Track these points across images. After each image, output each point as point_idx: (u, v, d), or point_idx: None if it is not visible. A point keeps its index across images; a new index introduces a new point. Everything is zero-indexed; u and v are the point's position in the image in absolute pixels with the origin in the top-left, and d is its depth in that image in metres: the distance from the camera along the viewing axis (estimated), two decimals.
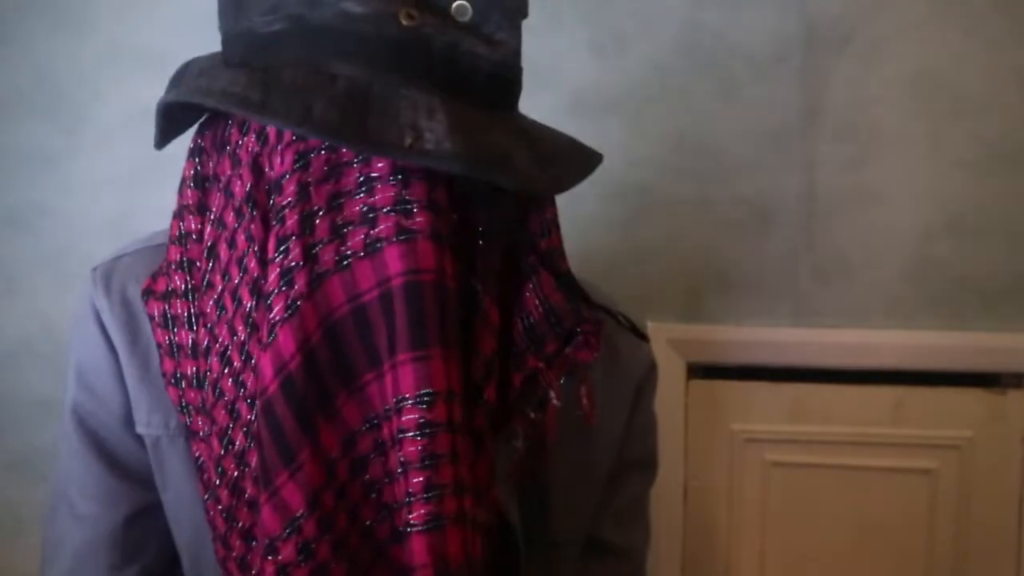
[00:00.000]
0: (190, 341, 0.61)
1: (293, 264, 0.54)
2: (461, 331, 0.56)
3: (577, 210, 1.12)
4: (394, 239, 0.54)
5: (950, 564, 1.14)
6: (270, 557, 0.54)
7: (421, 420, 0.53)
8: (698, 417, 1.15)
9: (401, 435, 0.53)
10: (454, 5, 0.56)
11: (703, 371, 1.15)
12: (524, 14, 0.60)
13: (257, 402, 0.55)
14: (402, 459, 0.53)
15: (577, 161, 0.62)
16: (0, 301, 1.19)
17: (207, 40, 1.15)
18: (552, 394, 0.62)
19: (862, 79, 1.09)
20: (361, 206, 0.55)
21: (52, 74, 1.15)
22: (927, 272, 1.11)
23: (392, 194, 0.54)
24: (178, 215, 0.64)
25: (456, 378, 0.54)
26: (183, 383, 0.62)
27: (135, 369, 0.64)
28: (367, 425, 0.56)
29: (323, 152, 0.55)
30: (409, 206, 0.54)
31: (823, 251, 1.12)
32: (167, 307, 0.62)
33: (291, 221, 0.55)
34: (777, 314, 1.13)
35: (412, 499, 0.53)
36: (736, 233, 1.12)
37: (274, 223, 0.55)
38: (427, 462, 0.53)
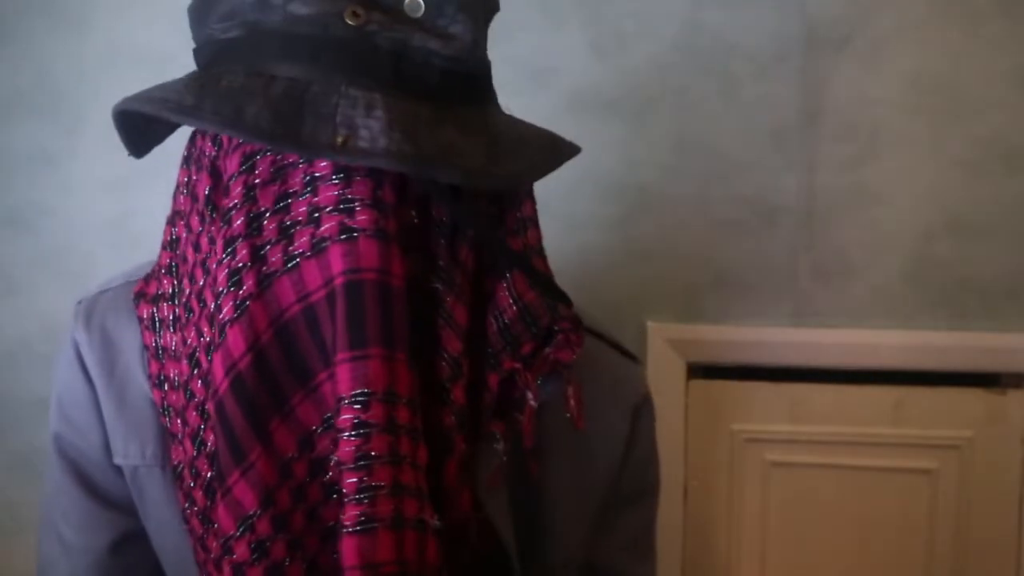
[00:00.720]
0: (174, 344, 0.62)
1: (241, 265, 0.55)
2: (420, 331, 0.56)
3: (576, 210, 1.12)
4: (337, 238, 0.54)
5: (950, 564, 1.14)
6: (226, 556, 0.54)
7: (356, 420, 0.52)
8: (698, 417, 1.15)
9: (338, 435, 0.53)
10: (406, 1, 0.56)
11: (703, 371, 1.15)
12: (490, 9, 0.60)
13: (210, 405, 0.55)
14: (336, 460, 0.53)
15: (544, 154, 0.60)
16: (0, 301, 1.19)
17: None
18: (529, 395, 0.61)
19: (862, 79, 1.09)
20: (306, 206, 0.55)
21: (52, 74, 1.15)
22: (927, 272, 1.11)
23: (334, 194, 0.54)
24: (170, 221, 0.64)
25: (404, 380, 0.53)
26: (166, 385, 0.62)
27: (112, 400, 0.64)
28: (324, 425, 0.55)
29: (269, 153, 0.56)
30: (351, 205, 0.54)
31: (823, 251, 1.12)
32: (155, 310, 0.63)
33: (238, 222, 0.55)
34: (777, 314, 1.13)
35: (346, 500, 0.52)
36: (736, 233, 1.12)
37: (222, 225, 0.56)
38: (361, 463, 0.52)
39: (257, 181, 0.56)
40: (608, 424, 0.70)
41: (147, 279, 0.65)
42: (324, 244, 0.54)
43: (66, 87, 1.15)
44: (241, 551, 0.54)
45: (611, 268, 1.13)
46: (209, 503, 0.58)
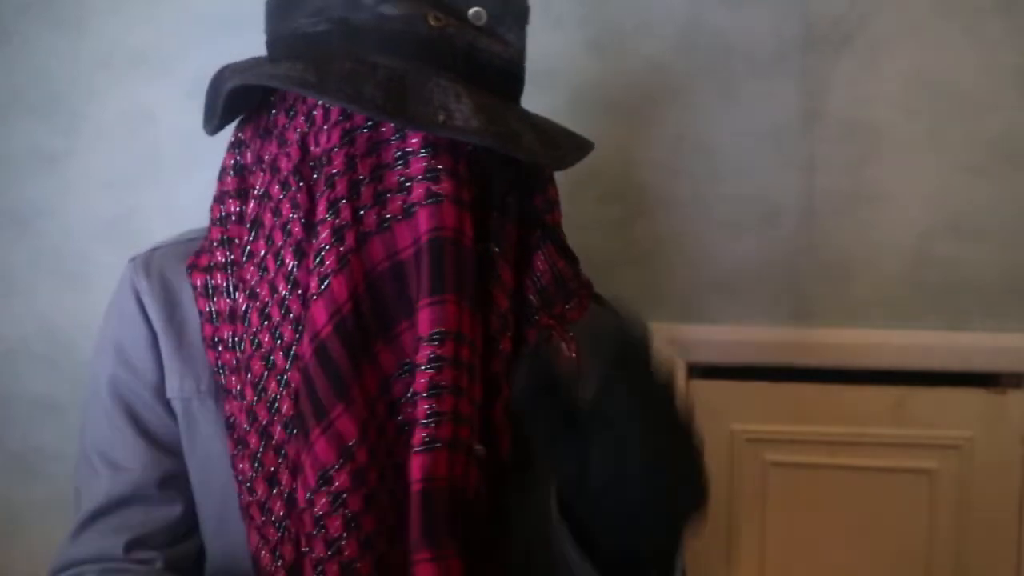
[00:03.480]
0: (228, 308, 0.69)
1: (344, 223, 0.63)
2: (479, 288, 0.64)
3: (577, 210, 1.11)
4: (424, 202, 0.62)
5: (950, 564, 1.13)
6: (323, 488, 0.60)
7: (432, 355, 0.60)
8: (698, 417, 1.14)
9: (416, 368, 0.61)
10: (471, 11, 0.66)
11: (703, 371, 1.15)
12: (528, 20, 0.70)
13: (306, 347, 0.62)
14: (413, 391, 0.61)
15: (575, 145, 0.71)
16: (0, 301, 1.19)
17: (204, 40, 1.15)
18: (564, 347, 0.69)
19: (862, 79, 1.09)
20: (399, 176, 0.64)
21: (50, 74, 1.15)
22: (927, 272, 1.11)
23: (423, 165, 0.63)
24: (219, 200, 0.72)
25: (469, 324, 0.62)
26: (220, 346, 0.69)
27: (171, 340, 0.71)
28: (401, 371, 0.63)
29: (366, 131, 0.64)
30: (437, 173, 0.63)
31: (823, 251, 1.12)
32: (209, 278, 0.70)
33: (341, 186, 0.63)
34: (777, 314, 1.13)
35: (417, 425, 0.60)
36: (736, 233, 1.12)
37: (324, 188, 0.64)
38: (432, 391, 0.60)
39: (357, 153, 0.64)
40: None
41: (198, 254, 0.72)
42: (413, 208, 0.63)
43: (64, 87, 1.15)
44: (342, 480, 0.60)
45: (611, 268, 1.13)
46: (263, 447, 0.64)
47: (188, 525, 0.72)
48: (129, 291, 0.73)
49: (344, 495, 0.60)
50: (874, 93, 1.09)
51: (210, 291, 0.70)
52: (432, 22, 0.63)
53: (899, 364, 1.11)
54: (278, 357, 0.65)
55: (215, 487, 0.70)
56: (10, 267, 1.18)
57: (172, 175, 1.14)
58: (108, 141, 1.15)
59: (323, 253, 0.62)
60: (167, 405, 0.71)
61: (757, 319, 1.13)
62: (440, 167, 0.63)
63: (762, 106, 1.10)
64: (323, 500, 0.60)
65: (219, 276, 0.70)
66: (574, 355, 0.71)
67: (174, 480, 0.71)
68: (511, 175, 0.67)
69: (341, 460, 0.60)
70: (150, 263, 0.73)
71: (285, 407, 0.64)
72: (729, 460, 1.15)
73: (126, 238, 1.16)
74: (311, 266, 0.63)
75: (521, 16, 0.68)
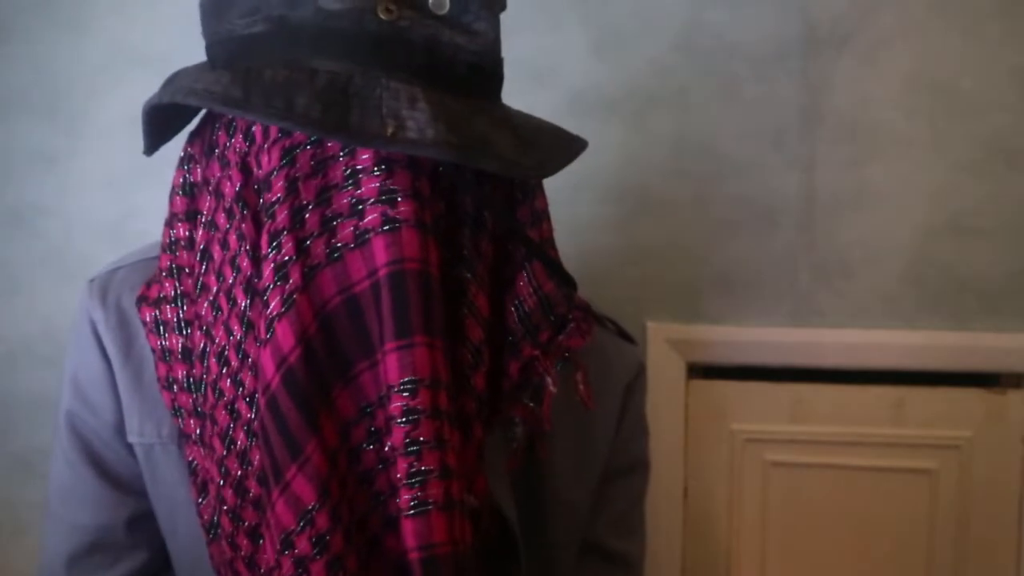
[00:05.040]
0: (180, 345, 0.62)
1: (287, 258, 0.55)
2: (448, 319, 0.57)
3: (577, 210, 1.12)
4: (380, 229, 0.55)
5: (950, 564, 1.14)
6: (287, 552, 0.54)
7: (405, 407, 0.54)
8: (698, 417, 1.15)
9: (390, 423, 0.54)
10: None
11: (703, 371, 1.15)
12: (502, 6, 0.61)
13: (259, 398, 0.55)
14: (390, 446, 0.55)
15: (561, 147, 0.62)
16: (0, 301, 1.19)
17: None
18: (548, 381, 0.63)
19: (862, 79, 1.09)
20: (349, 198, 0.56)
21: (52, 74, 1.15)
22: (927, 272, 1.11)
23: (376, 185, 0.55)
24: (168, 223, 0.65)
25: (443, 366, 0.55)
26: (175, 387, 0.62)
27: (128, 378, 0.65)
28: (360, 415, 0.56)
29: (309, 148, 0.56)
30: (394, 195, 0.55)
31: (823, 251, 1.12)
32: (158, 313, 0.63)
33: (281, 216, 0.55)
34: (777, 314, 1.13)
35: (399, 485, 0.54)
36: (736, 233, 1.12)
37: (265, 219, 0.56)
38: (411, 448, 0.54)
39: (299, 175, 0.56)
40: (603, 403, 0.72)
41: (149, 284, 0.65)
42: (367, 235, 0.55)
43: (65, 86, 1.15)
44: (302, 546, 0.54)
45: (611, 268, 1.13)
46: (240, 501, 0.58)
47: (157, 567, 0.68)
48: (85, 320, 0.67)
49: (306, 562, 0.54)
50: (874, 93, 1.09)
51: (160, 327, 0.63)
52: (383, 15, 0.55)
53: (899, 364, 1.11)
54: (242, 406, 0.58)
55: (182, 533, 0.65)
56: (11, 267, 1.18)
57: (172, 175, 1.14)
58: (108, 141, 1.15)
59: (267, 294, 0.55)
60: (129, 446, 0.65)
61: (757, 319, 1.13)
62: (396, 187, 0.55)
63: (762, 106, 1.10)
64: (287, 564, 0.55)
65: (168, 311, 0.63)
66: (583, 386, 0.66)
67: (141, 522, 0.67)
68: (486, 186, 0.60)
69: (301, 524, 0.54)
70: (107, 288, 0.67)
71: (257, 459, 0.57)
72: (729, 460, 1.15)
73: (126, 238, 1.16)
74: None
75: (492, 1, 0.58)
